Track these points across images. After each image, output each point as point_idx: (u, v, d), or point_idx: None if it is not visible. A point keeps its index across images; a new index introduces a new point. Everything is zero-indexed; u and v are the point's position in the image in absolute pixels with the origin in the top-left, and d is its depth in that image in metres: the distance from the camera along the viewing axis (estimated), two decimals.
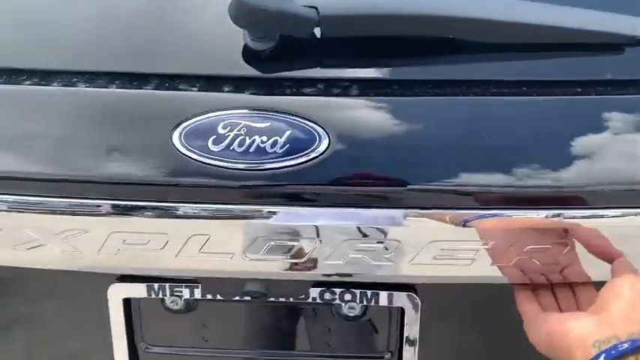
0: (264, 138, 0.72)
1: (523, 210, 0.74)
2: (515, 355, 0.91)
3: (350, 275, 0.78)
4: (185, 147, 0.72)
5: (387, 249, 0.75)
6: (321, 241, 0.74)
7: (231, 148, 0.72)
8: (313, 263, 0.76)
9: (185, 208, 0.74)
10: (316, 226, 0.74)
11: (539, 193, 0.73)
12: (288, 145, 0.71)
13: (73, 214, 0.75)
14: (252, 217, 0.74)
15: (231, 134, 0.72)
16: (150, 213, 0.74)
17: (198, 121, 0.73)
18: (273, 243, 0.75)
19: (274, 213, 0.74)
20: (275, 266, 0.76)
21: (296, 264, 0.76)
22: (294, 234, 0.75)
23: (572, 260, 0.76)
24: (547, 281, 0.78)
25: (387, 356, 0.92)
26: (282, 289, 0.83)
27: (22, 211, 0.75)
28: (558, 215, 0.74)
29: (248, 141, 0.72)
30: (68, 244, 0.76)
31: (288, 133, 0.72)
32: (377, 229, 0.74)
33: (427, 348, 0.89)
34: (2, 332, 0.94)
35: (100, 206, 0.74)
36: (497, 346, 0.91)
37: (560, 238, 0.75)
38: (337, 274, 0.78)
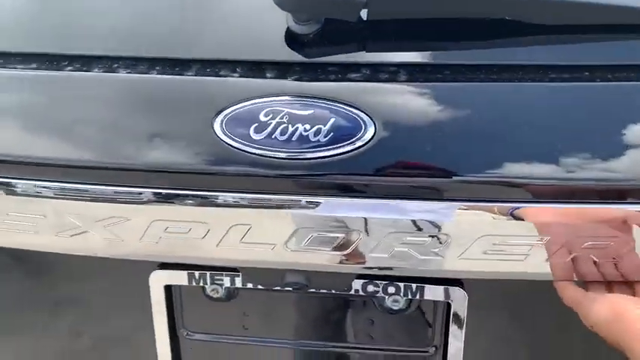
0: (307, 126, 0.69)
1: (581, 203, 0.69)
2: (563, 352, 0.87)
3: (394, 269, 0.75)
4: (227, 135, 0.70)
5: (434, 243, 0.71)
6: (365, 233, 0.72)
7: (273, 136, 0.69)
8: (356, 256, 0.73)
9: (226, 197, 0.72)
10: (360, 218, 0.71)
11: (598, 185, 0.68)
12: (332, 134, 0.69)
13: (115, 201, 0.74)
14: (294, 208, 0.72)
15: (274, 122, 0.69)
16: (191, 201, 0.73)
17: (240, 108, 0.71)
18: (315, 234, 0.72)
19: (317, 204, 0.71)
20: (317, 258, 0.74)
21: (338, 256, 0.74)
22: (338, 225, 0.72)
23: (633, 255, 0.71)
24: (604, 279, 0.74)
25: (431, 351, 0.89)
26: (324, 280, 0.81)
27: (65, 199, 0.75)
28: (619, 206, 0.69)
29: (291, 129, 0.69)
30: (110, 232, 0.75)
31: (332, 121, 0.69)
32: (424, 221, 0.70)
33: (473, 344, 0.86)
34: (48, 316, 0.96)
35: (141, 194, 0.73)
36: (545, 344, 0.87)
37: (620, 231, 0.70)
38: (381, 268, 0.75)
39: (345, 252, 0.73)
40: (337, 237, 0.72)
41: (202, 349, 0.93)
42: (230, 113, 0.71)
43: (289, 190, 0.72)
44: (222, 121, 0.71)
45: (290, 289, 0.82)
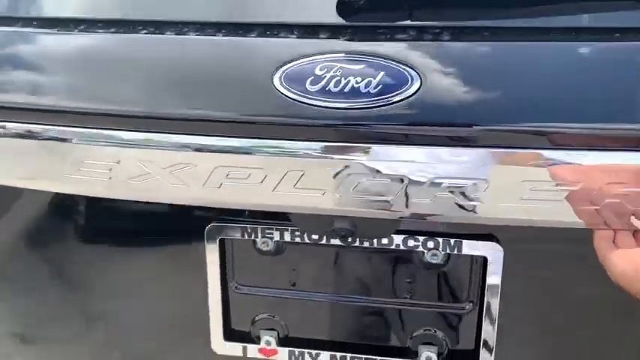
0: (359, 79, 0.76)
1: (616, 151, 0.74)
2: (599, 304, 0.90)
3: (436, 216, 0.81)
4: (285, 88, 0.78)
5: (474, 189, 0.77)
6: (409, 179, 0.78)
7: (327, 88, 0.77)
8: (401, 201, 0.79)
9: (283, 144, 0.80)
10: (406, 164, 0.78)
11: (632, 133, 0.73)
12: (381, 86, 0.76)
13: (183, 149, 0.82)
14: (344, 154, 0.79)
15: (328, 75, 0.77)
16: (251, 149, 0.81)
17: (297, 64, 0.79)
18: (363, 180, 0.79)
19: (365, 151, 0.78)
20: (363, 204, 0.81)
21: (384, 202, 0.80)
22: (384, 172, 0.79)
23: None
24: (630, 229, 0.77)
25: (468, 306, 0.94)
26: (368, 230, 0.87)
27: (138, 147, 0.84)
28: None
29: (343, 82, 0.76)
30: (176, 177, 0.83)
31: (381, 74, 0.76)
32: (465, 167, 0.77)
33: (509, 299, 0.90)
34: (110, 260, 1.04)
35: (208, 142, 0.81)
36: (580, 296, 0.91)
37: None
38: (424, 214, 0.81)
39: (390, 197, 0.79)
40: (383, 182, 0.79)
41: (250, 302, 0.99)
42: (288, 69, 0.79)
43: (339, 137, 0.79)
44: (280, 76, 0.78)
45: (336, 239, 0.89)
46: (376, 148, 0.78)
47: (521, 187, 0.76)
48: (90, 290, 1.05)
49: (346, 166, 0.79)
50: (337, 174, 0.79)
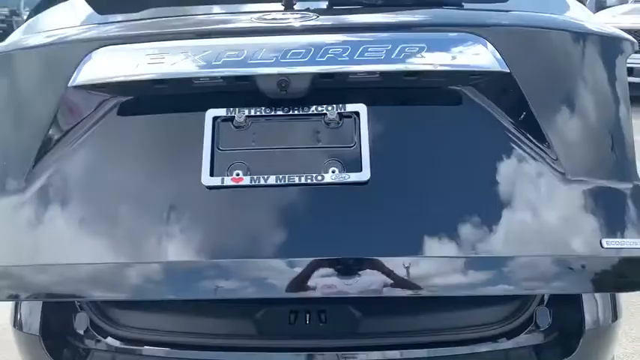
0: None
1: None
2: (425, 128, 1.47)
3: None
4: None
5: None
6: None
7: None
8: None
9: None
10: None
11: None
12: None
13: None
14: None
15: None
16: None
17: None
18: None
19: None
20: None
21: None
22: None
23: None
24: None
25: (353, 147, 1.40)
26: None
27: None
28: None
29: None
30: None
31: None
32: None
33: (376, 142, 1.39)
34: (149, 122, 1.51)
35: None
36: (414, 126, 1.47)
37: None
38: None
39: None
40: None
41: (228, 156, 1.41)
42: None
43: None
44: None
45: (278, 114, 1.43)
46: None
47: None
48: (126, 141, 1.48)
49: None
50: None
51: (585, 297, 1.63)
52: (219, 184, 1.38)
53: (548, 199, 1.36)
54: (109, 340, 1.70)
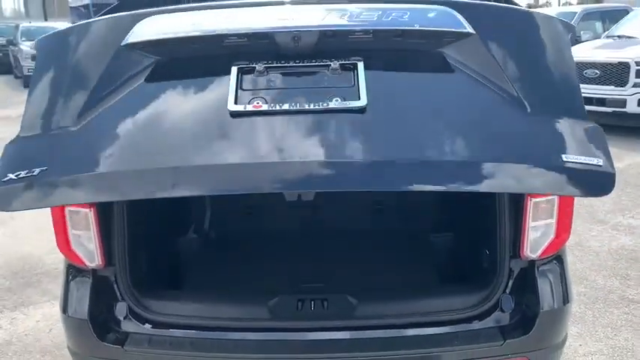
0: None
1: None
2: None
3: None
4: None
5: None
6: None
7: None
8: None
9: None
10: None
11: None
12: None
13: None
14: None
15: None
16: None
17: None
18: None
19: None
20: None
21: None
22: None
23: None
24: None
25: (353, 86, 1.78)
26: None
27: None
28: None
29: None
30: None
31: None
32: None
33: (371, 83, 1.77)
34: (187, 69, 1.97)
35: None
36: (400, 69, 1.96)
37: None
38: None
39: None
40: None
41: (249, 93, 1.78)
42: None
43: None
44: None
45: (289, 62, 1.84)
46: None
47: None
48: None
49: None
50: None
51: (541, 285, 1.98)
52: (242, 109, 1.73)
53: (515, 124, 1.78)
54: (146, 325, 2.01)
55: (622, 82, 7.88)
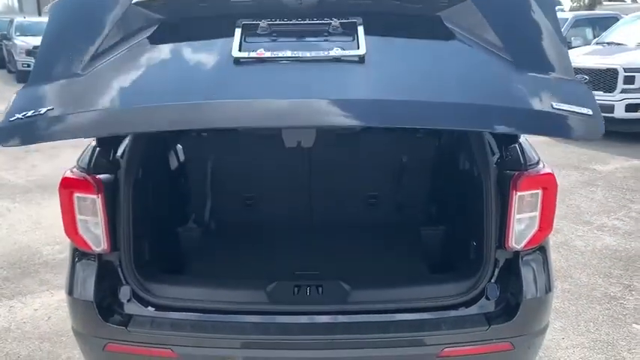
0: None
1: None
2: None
3: None
4: None
5: None
6: None
7: None
8: None
9: None
10: None
11: None
12: None
13: None
14: None
15: None
16: None
17: None
18: None
19: None
20: None
21: None
22: None
23: None
24: None
25: (353, 40, 1.91)
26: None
27: None
28: None
29: None
30: None
31: None
32: None
33: (369, 38, 1.91)
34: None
35: None
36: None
37: None
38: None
39: None
40: None
41: (253, 44, 1.91)
42: None
43: None
44: None
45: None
46: None
47: None
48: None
49: None
50: None
51: (524, 274, 2.10)
52: (246, 55, 1.83)
53: (505, 77, 1.87)
54: (148, 308, 2.10)
55: (610, 88, 8.04)
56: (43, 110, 1.72)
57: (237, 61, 1.81)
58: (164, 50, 2.00)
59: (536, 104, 1.76)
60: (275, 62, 1.82)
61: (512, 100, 1.79)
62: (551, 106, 1.73)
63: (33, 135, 1.74)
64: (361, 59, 1.81)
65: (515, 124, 1.76)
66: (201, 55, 1.95)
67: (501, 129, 1.84)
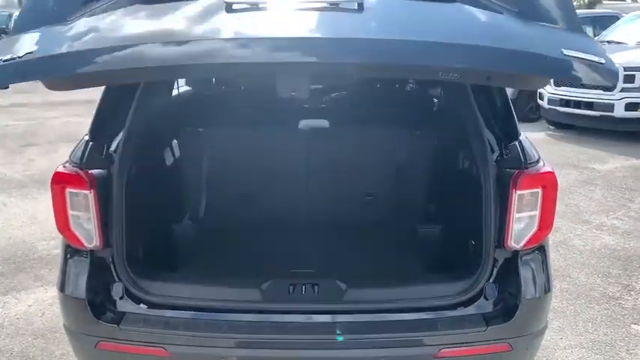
0: None
1: None
2: None
3: None
4: None
5: None
6: None
7: None
8: None
9: None
10: None
11: None
12: None
13: None
14: None
15: None
16: None
17: None
18: None
19: None
20: None
21: None
22: None
23: None
24: None
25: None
26: None
27: None
28: None
29: None
30: None
31: None
32: None
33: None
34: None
35: None
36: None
37: None
38: None
39: None
40: None
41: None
42: None
43: None
44: None
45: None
46: None
47: None
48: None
49: None
50: None
51: (523, 274, 2.07)
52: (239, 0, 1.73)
53: (513, 28, 1.81)
54: (141, 306, 2.07)
55: (610, 87, 8.02)
56: (22, 53, 1.66)
57: (230, 7, 1.72)
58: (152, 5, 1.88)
59: (543, 49, 1.72)
60: (269, 9, 1.74)
61: (519, 44, 1.74)
62: (561, 52, 1.68)
63: (9, 76, 1.69)
64: (360, 6, 1.73)
65: (521, 65, 1.71)
66: (191, 3, 1.83)
67: (504, 68, 1.75)
